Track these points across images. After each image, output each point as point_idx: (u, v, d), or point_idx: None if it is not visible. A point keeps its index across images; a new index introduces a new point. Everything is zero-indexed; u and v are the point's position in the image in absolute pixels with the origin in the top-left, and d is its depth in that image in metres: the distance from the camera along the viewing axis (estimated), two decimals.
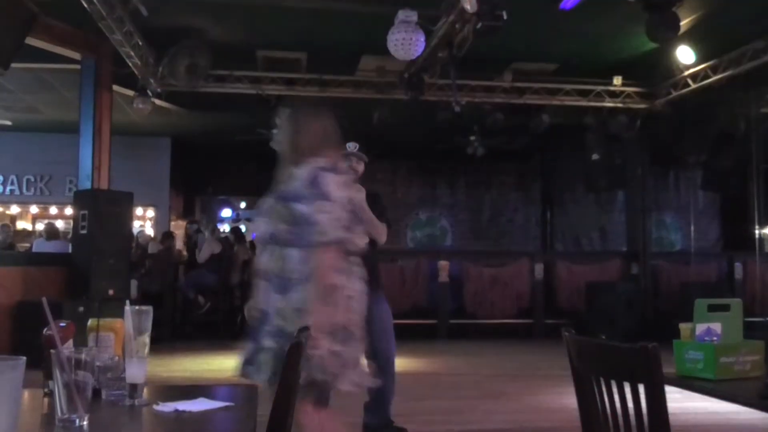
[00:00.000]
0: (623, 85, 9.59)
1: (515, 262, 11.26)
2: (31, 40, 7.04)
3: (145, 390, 1.75)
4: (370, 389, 4.33)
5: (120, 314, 1.80)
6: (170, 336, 9.51)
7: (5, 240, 9.82)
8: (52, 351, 1.45)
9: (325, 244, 2.61)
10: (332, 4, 7.06)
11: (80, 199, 7.92)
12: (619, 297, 9.98)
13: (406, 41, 6.76)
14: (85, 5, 6.38)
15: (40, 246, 9.40)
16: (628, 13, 6.81)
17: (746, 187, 10.32)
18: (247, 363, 2.70)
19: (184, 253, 11.81)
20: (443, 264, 10.83)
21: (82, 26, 7.48)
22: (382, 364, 4.32)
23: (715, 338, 2.21)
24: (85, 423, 1.41)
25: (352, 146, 4.47)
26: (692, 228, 12.38)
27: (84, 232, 7.64)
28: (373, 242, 4.36)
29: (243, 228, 16.23)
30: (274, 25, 7.87)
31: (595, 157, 10.39)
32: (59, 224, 11.49)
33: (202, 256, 10.55)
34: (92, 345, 1.84)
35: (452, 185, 14.50)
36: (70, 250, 8.29)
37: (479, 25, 6.20)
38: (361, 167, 4.46)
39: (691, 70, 8.73)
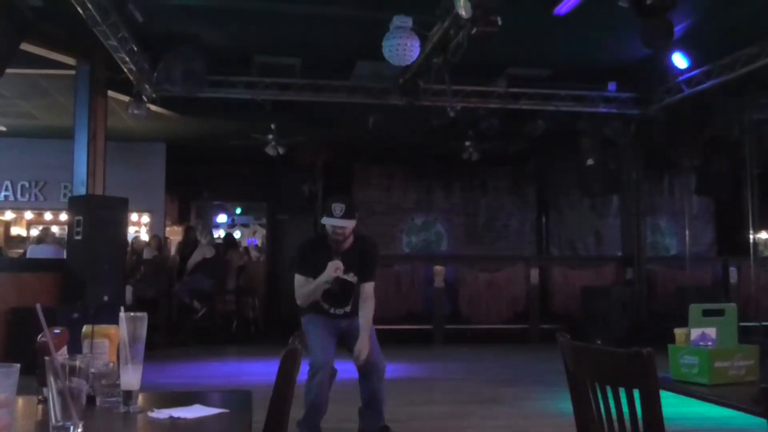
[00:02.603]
0: (618, 90, 9.61)
1: (510, 266, 11.26)
2: (25, 46, 7.04)
3: (140, 397, 1.74)
4: (364, 394, 4.34)
5: (115, 320, 1.79)
6: (165, 342, 9.49)
7: None
8: (46, 358, 1.44)
9: None
10: (327, 9, 7.07)
11: (75, 204, 7.90)
12: (614, 301, 9.99)
13: (401, 47, 6.77)
14: (80, 11, 6.37)
15: (34, 252, 9.37)
16: (623, 19, 6.83)
17: (740, 191, 10.34)
18: None
19: (177, 259, 11.79)
20: (438, 269, 10.83)
21: (77, 32, 7.47)
22: (372, 367, 4.30)
23: (709, 343, 2.21)
24: (79, 430, 1.41)
25: (338, 209, 4.12)
26: (687, 232, 12.40)
27: (79, 237, 7.62)
28: (350, 311, 4.36)
29: (238, 234, 16.25)
30: (269, 30, 7.87)
31: (590, 162, 10.42)
32: (54, 230, 11.46)
33: (192, 260, 10.52)
34: (87, 352, 1.83)
35: (447, 190, 14.49)
36: (64, 256, 8.26)
37: (474, 30, 6.21)
38: (338, 233, 4.15)
39: (685, 76, 8.76)
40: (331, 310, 4.30)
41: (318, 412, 4.16)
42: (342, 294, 4.29)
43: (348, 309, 4.33)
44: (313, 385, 4.09)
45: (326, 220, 4.15)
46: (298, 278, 4.26)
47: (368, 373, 4.30)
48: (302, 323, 4.35)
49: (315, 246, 4.34)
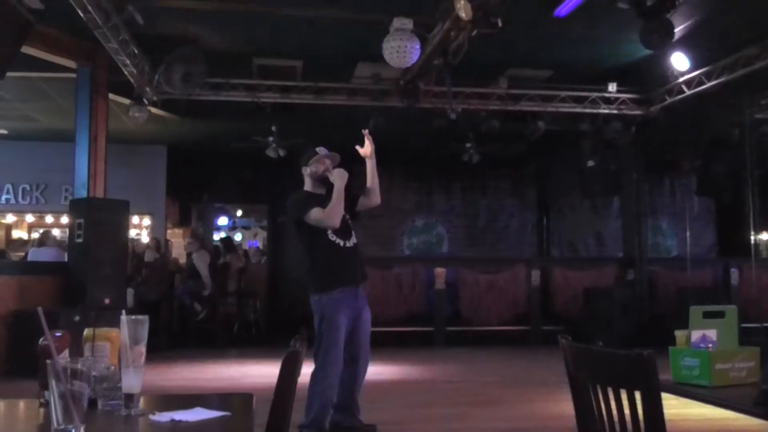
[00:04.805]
0: (618, 91, 9.61)
1: (511, 268, 11.26)
2: (26, 49, 7.03)
3: (141, 400, 1.74)
4: (349, 376, 4.45)
5: (116, 323, 1.80)
6: (167, 345, 9.49)
7: None
8: (48, 361, 1.44)
9: None
10: (328, 12, 7.08)
11: (76, 207, 7.90)
12: (615, 303, 9.98)
13: (402, 49, 6.77)
14: (81, 14, 6.38)
15: (35, 255, 9.38)
16: (623, 20, 6.84)
17: (741, 192, 10.33)
18: None
19: (180, 261, 11.78)
20: (439, 271, 10.82)
21: (78, 35, 7.48)
22: (365, 351, 4.50)
23: (710, 345, 2.21)
24: None
25: (320, 147, 4.66)
26: (688, 234, 12.39)
27: (80, 240, 7.62)
28: (357, 246, 4.60)
29: (239, 236, 16.24)
30: (270, 33, 7.88)
31: (590, 163, 10.42)
32: (55, 232, 11.46)
33: (203, 273, 10.52)
34: (88, 355, 1.83)
35: (448, 192, 14.50)
36: (65, 259, 8.26)
37: (474, 32, 6.22)
38: (327, 162, 4.60)
39: (686, 77, 8.76)
40: (343, 244, 4.49)
41: (328, 412, 4.33)
42: (345, 227, 4.55)
43: (355, 240, 4.58)
44: (326, 387, 4.26)
45: (315, 160, 4.55)
46: (315, 210, 4.39)
47: (361, 356, 4.49)
48: (324, 308, 4.38)
49: (308, 195, 4.59)
